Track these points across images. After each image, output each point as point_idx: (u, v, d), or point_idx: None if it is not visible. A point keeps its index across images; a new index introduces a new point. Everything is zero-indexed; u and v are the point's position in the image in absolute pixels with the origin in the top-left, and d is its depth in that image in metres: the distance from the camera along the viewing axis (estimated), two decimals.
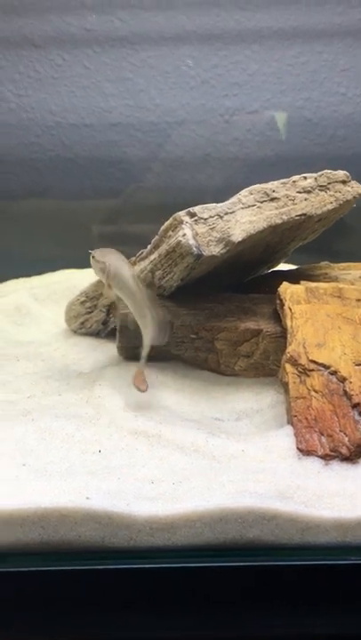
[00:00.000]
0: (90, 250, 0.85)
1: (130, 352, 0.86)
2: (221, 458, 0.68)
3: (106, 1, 1.47)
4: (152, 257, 0.85)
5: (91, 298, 0.95)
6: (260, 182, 1.54)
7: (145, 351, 0.79)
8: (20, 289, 1.11)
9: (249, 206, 0.80)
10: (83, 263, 1.35)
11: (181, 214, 0.79)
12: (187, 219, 0.79)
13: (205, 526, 0.63)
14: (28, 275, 1.32)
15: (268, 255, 0.91)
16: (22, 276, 1.27)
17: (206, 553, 0.64)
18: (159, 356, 0.87)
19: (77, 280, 1.14)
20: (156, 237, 0.85)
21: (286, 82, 1.50)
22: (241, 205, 0.80)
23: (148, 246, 0.87)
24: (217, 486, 0.65)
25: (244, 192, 0.81)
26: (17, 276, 1.27)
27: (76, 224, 1.50)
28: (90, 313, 0.95)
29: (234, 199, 0.81)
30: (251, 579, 0.64)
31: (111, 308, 0.94)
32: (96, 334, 0.97)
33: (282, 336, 0.82)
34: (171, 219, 0.81)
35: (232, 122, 1.51)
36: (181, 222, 0.79)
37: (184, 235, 0.78)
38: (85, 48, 1.52)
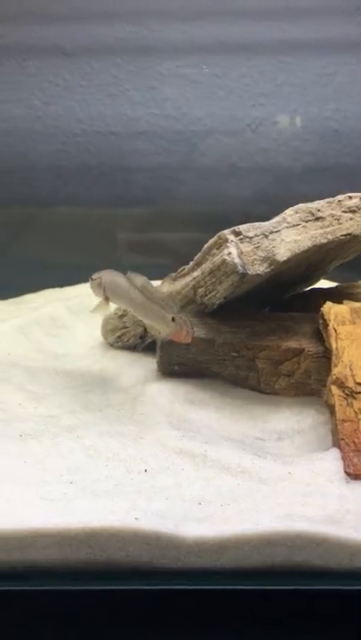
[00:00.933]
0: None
1: (170, 368, 0.87)
2: (268, 480, 0.68)
3: (136, 10, 1.48)
4: (195, 274, 0.85)
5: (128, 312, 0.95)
6: (285, 192, 1.54)
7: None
8: (55, 300, 1.12)
9: (294, 225, 0.80)
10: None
11: (226, 233, 0.79)
12: (232, 237, 0.79)
13: (253, 549, 0.63)
14: (60, 284, 1.32)
15: (310, 273, 0.91)
16: (54, 285, 1.28)
17: (254, 576, 0.64)
18: (199, 374, 0.87)
19: None
20: (199, 255, 0.85)
21: (314, 92, 1.50)
22: (286, 224, 0.80)
23: (191, 263, 0.87)
24: (265, 509, 0.65)
25: (289, 211, 0.81)
26: (48, 286, 1.28)
27: (101, 232, 1.51)
28: (127, 327, 0.95)
29: (279, 218, 0.81)
30: (298, 603, 0.64)
31: None
32: (133, 348, 0.97)
33: (324, 356, 0.82)
34: (215, 237, 0.81)
35: (259, 132, 1.51)
36: (226, 241, 0.79)
37: (229, 253, 0.78)
38: (114, 57, 1.53)
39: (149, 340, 0.96)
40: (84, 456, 0.73)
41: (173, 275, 0.90)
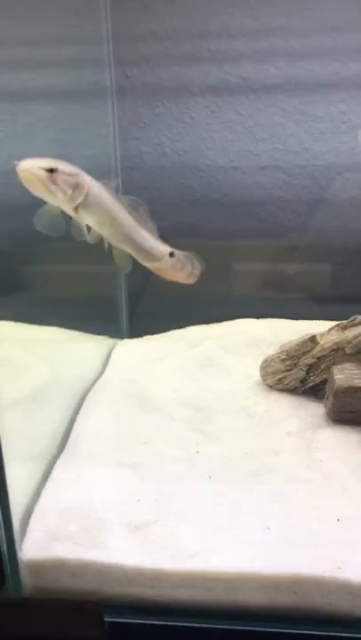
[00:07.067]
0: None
1: (341, 415, 0.89)
2: None
3: (264, 50, 1.53)
4: None
5: (291, 357, 0.99)
6: None
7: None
8: (206, 338, 1.16)
9: None
10: (254, 310, 1.39)
11: None
12: None
13: None
14: (197, 321, 1.37)
15: None
16: (194, 321, 1.32)
17: None
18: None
19: (259, 332, 1.18)
20: None
21: None
22: None
23: None
24: None
25: None
26: (192, 322, 1.32)
27: (226, 265, 1.55)
28: (289, 370, 0.99)
29: None
30: None
31: (312, 367, 0.98)
32: (292, 390, 1.00)
33: None
34: None
35: None
36: None
37: None
38: (240, 95, 1.60)
39: (310, 385, 0.98)
40: (273, 502, 0.76)
41: (344, 323, 0.93)
